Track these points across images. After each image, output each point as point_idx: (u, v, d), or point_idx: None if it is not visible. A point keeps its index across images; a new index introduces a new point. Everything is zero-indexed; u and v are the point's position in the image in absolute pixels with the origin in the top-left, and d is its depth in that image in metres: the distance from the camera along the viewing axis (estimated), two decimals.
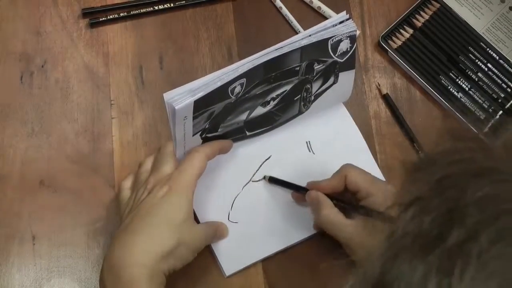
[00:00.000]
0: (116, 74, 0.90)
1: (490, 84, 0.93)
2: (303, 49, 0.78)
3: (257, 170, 0.85)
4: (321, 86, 0.85)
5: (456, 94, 0.92)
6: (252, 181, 0.85)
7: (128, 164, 0.85)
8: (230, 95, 0.77)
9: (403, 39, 0.94)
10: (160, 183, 0.75)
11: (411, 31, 0.95)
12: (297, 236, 0.82)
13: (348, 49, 0.81)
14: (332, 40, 0.79)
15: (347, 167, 0.80)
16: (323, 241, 0.82)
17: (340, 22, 0.79)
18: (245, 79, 0.76)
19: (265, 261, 0.82)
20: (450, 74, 0.93)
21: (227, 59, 0.92)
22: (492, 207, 0.39)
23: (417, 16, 0.95)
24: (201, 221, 0.81)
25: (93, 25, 0.92)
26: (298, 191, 0.83)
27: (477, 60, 0.94)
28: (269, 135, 0.87)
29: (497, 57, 0.94)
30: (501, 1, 0.97)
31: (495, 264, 0.37)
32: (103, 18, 0.92)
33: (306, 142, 0.87)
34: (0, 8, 0.92)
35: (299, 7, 0.96)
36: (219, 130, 0.81)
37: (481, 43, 0.94)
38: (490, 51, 0.94)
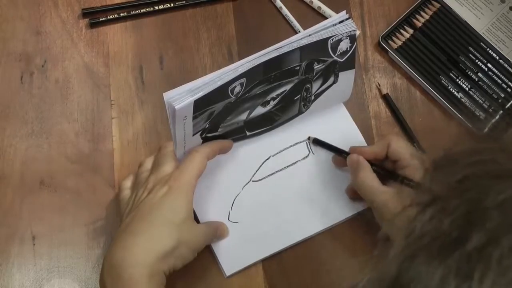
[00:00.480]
0: (116, 74, 0.90)
1: (490, 84, 0.93)
2: (303, 48, 0.78)
3: (257, 170, 0.85)
4: (321, 86, 0.85)
5: (456, 94, 0.92)
6: (252, 181, 0.85)
7: (128, 164, 0.85)
8: (230, 95, 0.77)
9: (403, 39, 0.94)
10: (160, 183, 0.75)
11: (411, 31, 0.95)
12: (298, 236, 0.82)
13: (348, 49, 0.81)
14: (332, 39, 0.79)
15: (391, 136, 0.81)
16: (323, 241, 0.83)
17: (340, 22, 0.79)
18: (245, 79, 0.76)
19: (265, 261, 0.82)
20: (450, 74, 0.93)
21: (227, 59, 0.92)
22: None
23: (417, 16, 0.95)
24: (201, 221, 0.81)
25: (93, 25, 0.92)
26: (341, 154, 0.84)
27: (477, 60, 0.94)
28: (269, 135, 0.87)
29: (497, 57, 0.94)
30: (501, 1, 0.97)
31: None
32: (103, 18, 0.92)
33: (306, 142, 0.87)
34: (0, 8, 0.92)
35: (299, 7, 0.96)
36: (219, 130, 0.81)
37: (481, 43, 0.94)
38: (490, 51, 0.94)
